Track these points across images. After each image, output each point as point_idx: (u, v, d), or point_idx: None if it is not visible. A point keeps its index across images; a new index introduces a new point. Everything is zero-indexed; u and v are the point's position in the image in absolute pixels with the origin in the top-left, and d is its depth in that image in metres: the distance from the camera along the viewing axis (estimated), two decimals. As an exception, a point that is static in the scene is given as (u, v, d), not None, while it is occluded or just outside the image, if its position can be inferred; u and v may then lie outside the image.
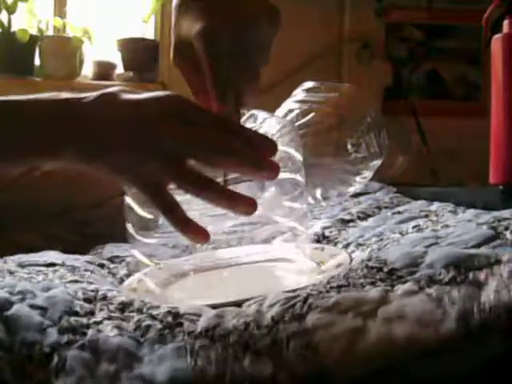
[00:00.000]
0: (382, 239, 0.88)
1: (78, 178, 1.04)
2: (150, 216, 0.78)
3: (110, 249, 0.94)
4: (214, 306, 0.70)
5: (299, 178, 0.83)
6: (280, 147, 0.76)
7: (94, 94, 0.64)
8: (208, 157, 0.64)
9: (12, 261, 0.82)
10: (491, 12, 1.19)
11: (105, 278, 0.84)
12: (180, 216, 0.64)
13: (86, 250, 0.99)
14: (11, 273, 0.76)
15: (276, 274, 0.83)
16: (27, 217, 1.02)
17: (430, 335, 0.58)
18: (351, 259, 0.84)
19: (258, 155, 0.65)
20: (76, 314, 0.64)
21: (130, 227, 0.81)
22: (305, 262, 0.84)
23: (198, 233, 0.65)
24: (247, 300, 0.71)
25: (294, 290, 0.72)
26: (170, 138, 0.63)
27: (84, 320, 0.63)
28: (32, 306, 0.64)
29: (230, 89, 0.70)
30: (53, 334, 0.60)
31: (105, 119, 0.63)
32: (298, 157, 0.83)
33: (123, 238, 0.92)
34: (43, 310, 0.63)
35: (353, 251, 0.88)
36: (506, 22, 1.15)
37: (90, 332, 0.61)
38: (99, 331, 0.61)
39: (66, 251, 0.93)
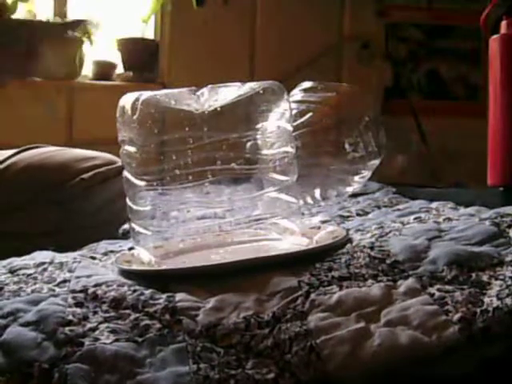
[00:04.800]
0: (382, 227, 0.87)
1: (44, 162, 1.09)
2: (142, 183, 0.81)
3: (105, 245, 0.94)
4: (208, 268, 0.71)
5: (289, 149, 0.86)
6: (273, 121, 0.80)
7: None
8: None
9: (3, 266, 0.81)
10: (489, 12, 1.18)
11: (96, 265, 0.83)
12: None
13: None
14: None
15: (268, 245, 0.84)
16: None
17: (433, 340, 0.57)
18: (348, 232, 0.84)
19: None
20: (70, 323, 0.63)
21: (128, 201, 0.83)
22: (297, 238, 0.85)
23: None
24: (242, 262, 0.71)
25: (283, 254, 0.73)
26: None
27: (79, 329, 0.61)
28: (24, 324, 0.62)
29: None
30: (49, 349, 0.59)
31: None
32: (288, 127, 0.86)
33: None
34: (35, 324, 0.62)
35: (352, 235, 0.86)
36: (503, 23, 1.15)
37: (87, 341, 0.59)
38: (96, 339, 0.60)
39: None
